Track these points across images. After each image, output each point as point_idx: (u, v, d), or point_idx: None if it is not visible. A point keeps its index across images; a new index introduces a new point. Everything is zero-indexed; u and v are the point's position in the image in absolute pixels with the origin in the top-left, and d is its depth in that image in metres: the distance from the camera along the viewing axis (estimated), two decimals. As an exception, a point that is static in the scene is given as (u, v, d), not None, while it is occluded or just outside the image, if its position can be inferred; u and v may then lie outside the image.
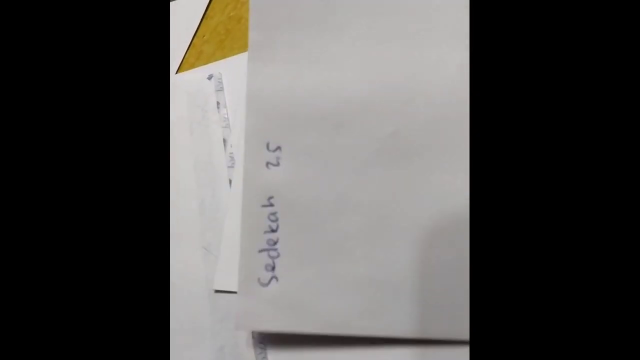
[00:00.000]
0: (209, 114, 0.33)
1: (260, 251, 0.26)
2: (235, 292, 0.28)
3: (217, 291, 0.29)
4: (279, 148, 0.27)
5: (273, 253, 0.26)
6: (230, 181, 0.31)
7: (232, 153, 0.32)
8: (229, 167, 0.31)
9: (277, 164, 0.26)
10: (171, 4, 0.39)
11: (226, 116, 0.33)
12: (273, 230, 0.26)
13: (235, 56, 0.35)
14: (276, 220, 0.26)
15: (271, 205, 0.26)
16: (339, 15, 0.28)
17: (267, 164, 0.27)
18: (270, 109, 0.27)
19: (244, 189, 0.27)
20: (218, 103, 0.33)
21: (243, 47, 0.36)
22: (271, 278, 0.25)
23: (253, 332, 0.27)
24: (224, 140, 0.32)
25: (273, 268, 0.25)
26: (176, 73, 0.36)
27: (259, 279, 0.25)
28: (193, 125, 0.33)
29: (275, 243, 0.26)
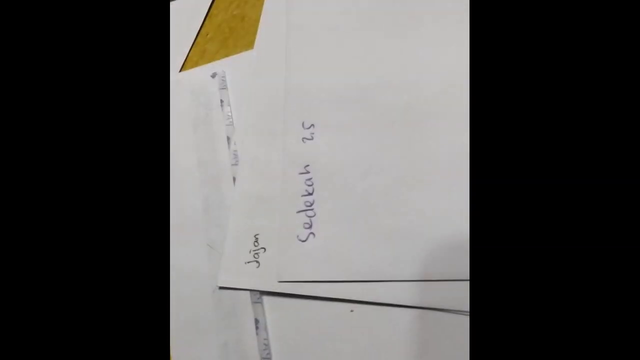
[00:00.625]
0: (212, 112, 0.33)
1: (299, 212, 0.29)
2: (239, 289, 0.29)
3: (220, 288, 0.29)
4: (312, 125, 0.31)
5: (310, 213, 0.29)
6: (234, 179, 0.31)
7: (235, 151, 0.32)
8: (232, 164, 0.32)
9: (312, 138, 0.31)
10: (175, 2, 0.39)
11: (230, 114, 0.33)
12: (310, 194, 0.29)
13: (238, 54, 0.35)
14: (312, 184, 0.30)
15: (307, 172, 0.30)
16: (357, 18, 0.33)
17: (303, 139, 0.31)
18: (306, 95, 0.32)
19: (284, 160, 0.31)
20: (222, 101, 0.33)
21: (246, 45, 0.36)
22: (309, 234, 0.29)
23: (258, 323, 0.28)
24: (228, 138, 0.32)
25: (310, 226, 0.29)
26: (180, 71, 0.36)
27: (298, 236, 0.29)
28: (197, 123, 0.33)
29: (311, 204, 0.29)
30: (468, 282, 0.26)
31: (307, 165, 0.30)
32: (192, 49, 0.38)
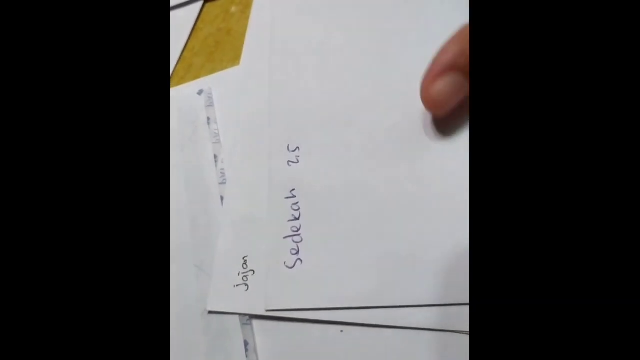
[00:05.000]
0: (199, 129, 0.33)
1: (285, 237, 0.28)
2: (229, 313, 0.28)
3: (211, 312, 0.29)
4: (297, 148, 0.31)
5: (297, 238, 0.28)
6: (221, 198, 0.31)
7: (222, 169, 0.31)
8: (220, 183, 0.31)
9: (297, 162, 0.30)
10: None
11: (217, 132, 0.33)
12: (296, 219, 0.29)
13: (224, 71, 0.35)
14: (298, 209, 0.29)
15: (293, 196, 0.29)
16: (341, 38, 0.33)
17: (289, 162, 0.30)
18: (290, 117, 0.32)
19: (270, 185, 0.30)
20: (208, 118, 0.33)
21: (233, 59, 0.36)
22: (296, 261, 0.28)
23: (247, 345, 0.27)
24: (215, 157, 0.32)
25: (297, 252, 0.28)
26: (165, 88, 0.36)
27: (285, 263, 0.28)
28: (184, 141, 0.33)
29: (298, 230, 0.28)
30: (458, 305, 0.25)
31: (293, 190, 0.29)
32: (179, 63, 0.38)
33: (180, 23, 0.38)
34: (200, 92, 0.34)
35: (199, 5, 0.39)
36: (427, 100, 0.27)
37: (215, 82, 0.34)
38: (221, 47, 0.37)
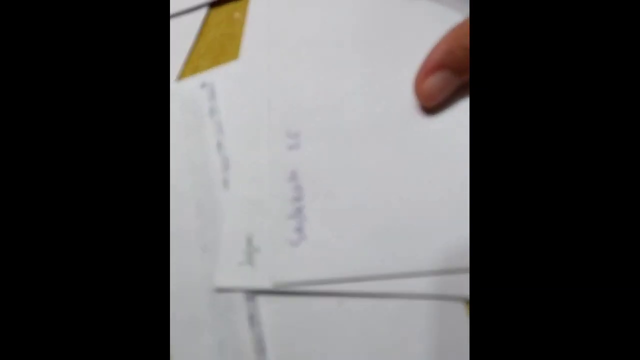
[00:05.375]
0: (203, 120, 0.34)
1: (289, 218, 0.30)
2: (234, 289, 0.29)
3: (218, 289, 0.29)
4: (298, 133, 0.32)
5: (300, 217, 0.29)
6: (225, 183, 0.32)
7: (226, 156, 0.33)
8: (223, 169, 0.32)
9: (298, 146, 0.31)
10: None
11: (219, 121, 0.34)
12: (298, 200, 0.30)
13: (225, 65, 0.37)
14: (300, 190, 0.30)
15: (295, 179, 0.31)
16: (336, 29, 0.35)
17: (289, 147, 0.32)
18: (288, 105, 0.33)
19: (271, 169, 0.31)
20: (211, 109, 0.35)
21: (237, 61, 0.37)
22: (300, 239, 0.29)
23: (252, 319, 0.28)
24: (219, 145, 0.33)
25: (301, 230, 0.29)
26: (171, 84, 0.38)
27: (289, 241, 0.29)
28: (187, 131, 0.34)
29: (301, 209, 0.30)
30: (455, 274, 0.26)
31: (295, 172, 0.31)
32: (185, 66, 0.40)
33: (186, 28, 0.40)
34: (203, 85, 0.36)
35: (203, 11, 0.42)
36: (420, 94, 0.29)
37: (217, 76, 0.36)
38: (225, 50, 0.39)
